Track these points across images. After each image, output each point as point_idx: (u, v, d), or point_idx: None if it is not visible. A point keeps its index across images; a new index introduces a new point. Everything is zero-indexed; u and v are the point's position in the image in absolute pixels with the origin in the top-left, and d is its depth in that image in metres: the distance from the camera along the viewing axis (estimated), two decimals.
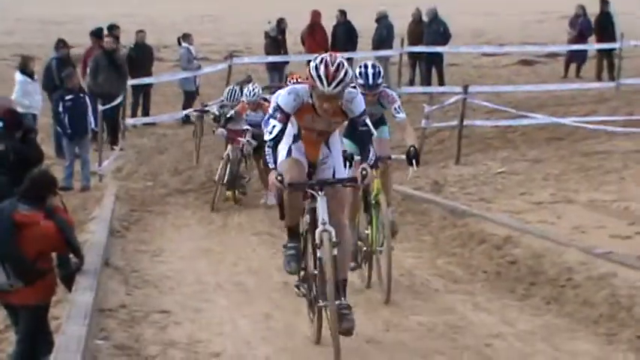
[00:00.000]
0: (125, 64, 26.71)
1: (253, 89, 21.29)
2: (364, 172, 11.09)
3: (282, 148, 11.75)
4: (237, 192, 21.85)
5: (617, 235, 16.28)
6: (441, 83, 32.29)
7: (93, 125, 22.66)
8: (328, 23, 32.02)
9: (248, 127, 21.45)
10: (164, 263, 16.07)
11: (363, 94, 12.55)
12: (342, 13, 32.03)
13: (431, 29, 32.24)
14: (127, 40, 29.42)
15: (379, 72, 14.32)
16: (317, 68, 11.02)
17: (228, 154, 21.67)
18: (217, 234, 18.52)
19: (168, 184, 22.48)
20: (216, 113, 22.45)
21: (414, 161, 13.72)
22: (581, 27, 34.97)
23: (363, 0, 33.70)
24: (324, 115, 11.39)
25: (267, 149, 11.13)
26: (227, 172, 21.44)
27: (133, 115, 27.70)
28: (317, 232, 11.35)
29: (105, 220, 17.62)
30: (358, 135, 11.80)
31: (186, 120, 26.37)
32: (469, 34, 40.54)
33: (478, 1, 44.79)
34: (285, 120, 11.35)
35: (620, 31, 34.04)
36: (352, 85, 12.06)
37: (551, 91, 32.81)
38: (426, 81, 31.58)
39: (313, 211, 11.67)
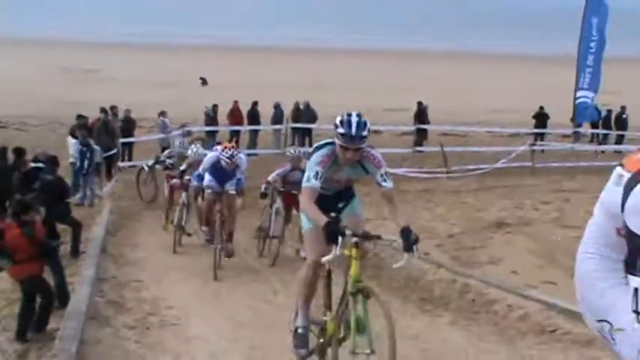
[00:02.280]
0: (116, 131, 26.69)
1: (197, 149, 17.15)
2: None
3: None
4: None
5: None
6: (310, 145, 32.31)
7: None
8: (244, 108, 32.32)
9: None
10: (140, 251, 16.10)
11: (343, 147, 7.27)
12: (254, 102, 32.33)
13: (305, 114, 32.54)
14: (121, 114, 29.24)
15: (365, 123, 7.39)
16: None
17: (183, 201, 17.07)
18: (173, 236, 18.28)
19: (142, 203, 21.83)
20: (168, 162, 19.43)
21: (414, 247, 7.17)
22: None
23: (264, 95, 33.65)
24: None
25: None
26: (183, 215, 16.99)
27: (122, 160, 27.60)
28: None
29: (103, 224, 17.59)
30: None
31: (151, 166, 22.08)
32: (329, 117, 40.52)
33: (332, 97, 45.18)
34: None
35: None
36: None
37: None
38: (301, 144, 31.72)
39: None
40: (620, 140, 33.08)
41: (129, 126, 28.81)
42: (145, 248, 16.49)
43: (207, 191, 14.70)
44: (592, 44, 32.21)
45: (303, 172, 10.97)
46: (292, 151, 15.70)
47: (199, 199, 16.29)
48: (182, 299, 11.96)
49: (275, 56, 63.33)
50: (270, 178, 15.12)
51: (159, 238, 17.66)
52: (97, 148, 23.00)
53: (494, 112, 40.07)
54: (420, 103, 33.66)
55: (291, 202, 15.12)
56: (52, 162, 15.59)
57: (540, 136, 32.27)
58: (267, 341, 9.55)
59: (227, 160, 14.01)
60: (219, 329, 10.36)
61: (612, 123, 34.14)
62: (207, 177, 14.65)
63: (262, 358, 9.12)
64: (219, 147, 15.04)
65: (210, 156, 14.66)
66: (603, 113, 33.80)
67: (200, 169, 14.99)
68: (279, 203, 15.37)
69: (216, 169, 14.42)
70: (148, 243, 17.03)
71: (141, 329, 10.27)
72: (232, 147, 14.74)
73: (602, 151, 31.18)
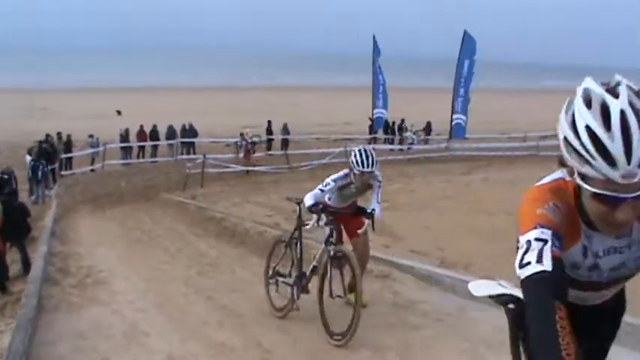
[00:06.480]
0: (57, 149, 25.88)
1: None
2: None
3: None
4: None
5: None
6: (195, 154, 31.78)
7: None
8: (147, 129, 31.46)
9: None
10: (77, 233, 15.79)
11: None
12: (154, 125, 31.61)
13: (189, 132, 32.06)
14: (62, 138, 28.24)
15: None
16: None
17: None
18: (100, 221, 17.86)
19: (78, 199, 21.38)
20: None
21: None
22: None
23: (161, 120, 32.86)
24: None
25: None
26: None
27: (65, 169, 26.65)
28: None
29: (52, 215, 17.16)
30: None
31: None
32: (205, 134, 39.86)
33: (207, 120, 44.20)
34: None
35: None
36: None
37: None
38: (187, 153, 31.35)
39: None
40: (401, 141, 34.57)
41: (69, 145, 28.15)
42: (81, 231, 16.11)
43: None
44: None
45: None
46: None
47: None
48: (109, 265, 11.88)
49: (169, 94, 62.39)
50: None
51: (90, 223, 17.43)
52: (44, 162, 22.48)
53: (325, 125, 40.66)
54: (269, 122, 34.12)
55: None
56: (10, 174, 15.27)
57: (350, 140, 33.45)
58: (167, 290, 9.74)
59: None
60: (135, 284, 10.45)
61: (396, 129, 35.70)
62: None
63: (165, 300, 9.30)
64: None
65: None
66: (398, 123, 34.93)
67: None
68: None
69: None
70: (83, 227, 16.72)
71: (80, 287, 10.20)
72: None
73: (391, 149, 32.56)
